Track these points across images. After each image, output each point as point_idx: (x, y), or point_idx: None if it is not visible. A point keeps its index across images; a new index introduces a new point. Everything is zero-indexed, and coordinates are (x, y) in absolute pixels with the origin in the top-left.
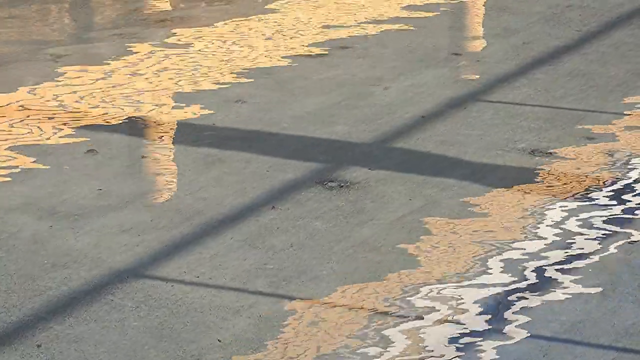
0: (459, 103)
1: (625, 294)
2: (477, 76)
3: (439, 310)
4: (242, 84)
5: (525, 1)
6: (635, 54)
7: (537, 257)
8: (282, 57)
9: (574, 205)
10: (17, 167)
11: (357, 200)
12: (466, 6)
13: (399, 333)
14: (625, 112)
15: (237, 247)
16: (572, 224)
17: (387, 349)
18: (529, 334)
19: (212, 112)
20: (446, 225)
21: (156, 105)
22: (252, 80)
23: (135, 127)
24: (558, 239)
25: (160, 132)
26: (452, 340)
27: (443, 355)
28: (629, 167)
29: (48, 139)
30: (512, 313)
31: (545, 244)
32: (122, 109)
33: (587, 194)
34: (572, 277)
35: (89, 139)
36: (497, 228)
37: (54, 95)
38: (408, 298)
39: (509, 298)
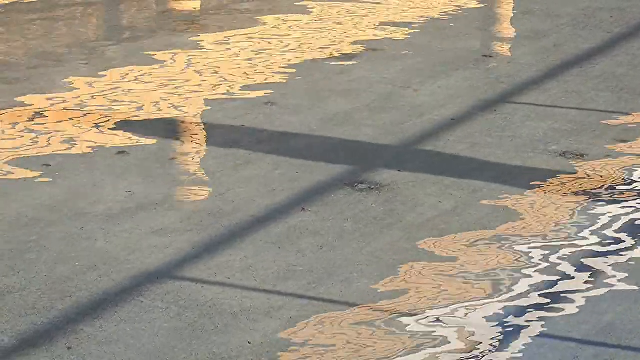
0: (489, 105)
1: None
2: (508, 78)
3: (464, 316)
4: (271, 86)
5: (555, 3)
6: None
7: (570, 260)
8: (311, 60)
9: (607, 206)
10: (47, 168)
11: (386, 202)
12: (496, 8)
13: (427, 334)
14: None
15: (267, 249)
16: (604, 226)
17: (418, 352)
18: (559, 336)
19: (241, 114)
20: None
21: (186, 107)
22: (281, 82)
23: (165, 128)
24: (591, 242)
25: (190, 134)
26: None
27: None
28: None
29: (79, 140)
30: (540, 316)
31: (577, 248)
32: (152, 111)
33: (621, 195)
34: (604, 279)
35: (119, 141)
36: (530, 230)
37: (85, 96)
38: (438, 300)
39: (530, 305)
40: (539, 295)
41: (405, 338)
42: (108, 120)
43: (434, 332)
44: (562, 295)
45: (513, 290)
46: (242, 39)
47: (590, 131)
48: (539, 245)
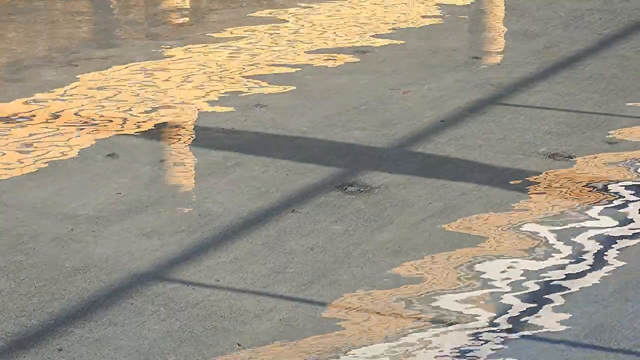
0: (479, 107)
1: None
2: (498, 80)
3: (460, 316)
4: (261, 88)
5: (545, 5)
6: None
7: (559, 261)
8: (302, 62)
9: (597, 207)
10: (37, 170)
11: (376, 204)
12: (486, 10)
13: (418, 336)
14: None
15: (257, 251)
16: (590, 229)
17: (408, 354)
18: (549, 338)
19: (231, 116)
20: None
21: (176, 109)
22: (271, 84)
23: (155, 131)
24: (581, 243)
25: (180, 136)
26: (465, 351)
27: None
28: None
29: (68, 142)
30: (530, 319)
31: (567, 249)
32: (142, 113)
33: (608, 198)
34: (594, 280)
35: (109, 143)
36: (519, 232)
37: (74, 98)
38: (428, 302)
39: (519, 306)
40: (528, 296)
41: (395, 337)
42: (98, 123)
43: (426, 333)
44: (551, 296)
45: (502, 292)
46: (233, 40)
47: (580, 133)
48: (528, 246)
